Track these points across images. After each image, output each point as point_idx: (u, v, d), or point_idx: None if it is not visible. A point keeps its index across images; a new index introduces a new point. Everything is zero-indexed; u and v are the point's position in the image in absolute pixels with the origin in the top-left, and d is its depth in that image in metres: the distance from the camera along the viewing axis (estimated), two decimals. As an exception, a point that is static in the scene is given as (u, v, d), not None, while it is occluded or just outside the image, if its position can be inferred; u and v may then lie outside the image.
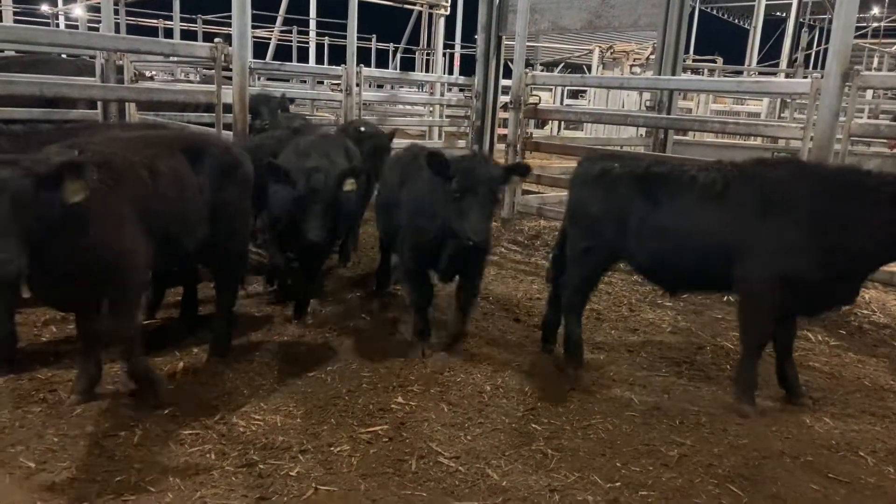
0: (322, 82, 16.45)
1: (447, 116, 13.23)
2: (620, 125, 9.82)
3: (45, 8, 21.63)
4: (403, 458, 3.22)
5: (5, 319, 3.94)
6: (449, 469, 3.15)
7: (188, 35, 18.48)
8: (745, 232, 3.66)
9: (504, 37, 11.17)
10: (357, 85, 9.06)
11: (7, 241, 2.75)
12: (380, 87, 16.52)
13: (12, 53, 10.04)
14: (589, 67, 15.32)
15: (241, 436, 3.34)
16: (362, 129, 6.49)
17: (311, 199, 4.26)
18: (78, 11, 19.33)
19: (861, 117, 11.90)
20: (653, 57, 12.16)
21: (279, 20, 19.24)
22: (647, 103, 8.51)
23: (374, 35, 20.33)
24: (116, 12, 14.07)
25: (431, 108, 13.43)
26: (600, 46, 13.88)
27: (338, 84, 11.27)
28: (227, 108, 5.98)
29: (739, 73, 16.33)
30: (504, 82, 11.81)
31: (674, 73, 8.09)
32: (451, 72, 18.86)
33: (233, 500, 2.85)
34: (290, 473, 3.05)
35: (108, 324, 3.52)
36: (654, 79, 8.04)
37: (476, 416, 3.67)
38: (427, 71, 19.58)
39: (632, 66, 12.92)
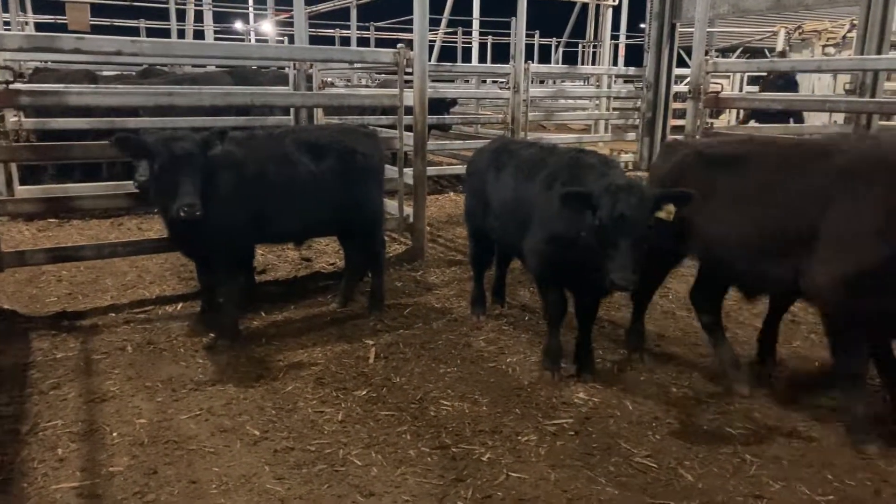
0: (485, 81, 16.70)
1: (614, 109, 12.89)
2: (818, 112, 8.90)
3: (238, 26, 24.06)
4: (591, 453, 3.21)
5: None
6: (640, 466, 3.10)
7: (361, 42, 19.61)
8: None
9: (678, 24, 10.67)
10: (524, 81, 9.21)
11: None
12: (541, 82, 16.45)
13: (213, 68, 11.30)
14: (771, 50, 14.13)
15: (433, 419, 3.51)
16: None
17: (620, 230, 3.28)
18: (267, 27, 21.34)
19: None
20: (850, 35, 10.98)
21: (443, 22, 19.83)
22: (847, 86, 7.66)
23: (537, 31, 20.32)
24: (301, 25, 15.26)
25: (598, 102, 13.16)
26: (786, 27, 12.72)
27: (504, 82, 11.40)
28: (408, 111, 6.29)
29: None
30: (676, 71, 11.29)
31: (880, 52, 7.25)
32: (615, 63, 18.35)
33: (430, 479, 3.01)
34: (482, 458, 3.16)
35: None
36: (860, 59, 7.20)
37: (663, 416, 3.57)
38: (592, 63, 19.21)
39: (825, 46, 11.70)
